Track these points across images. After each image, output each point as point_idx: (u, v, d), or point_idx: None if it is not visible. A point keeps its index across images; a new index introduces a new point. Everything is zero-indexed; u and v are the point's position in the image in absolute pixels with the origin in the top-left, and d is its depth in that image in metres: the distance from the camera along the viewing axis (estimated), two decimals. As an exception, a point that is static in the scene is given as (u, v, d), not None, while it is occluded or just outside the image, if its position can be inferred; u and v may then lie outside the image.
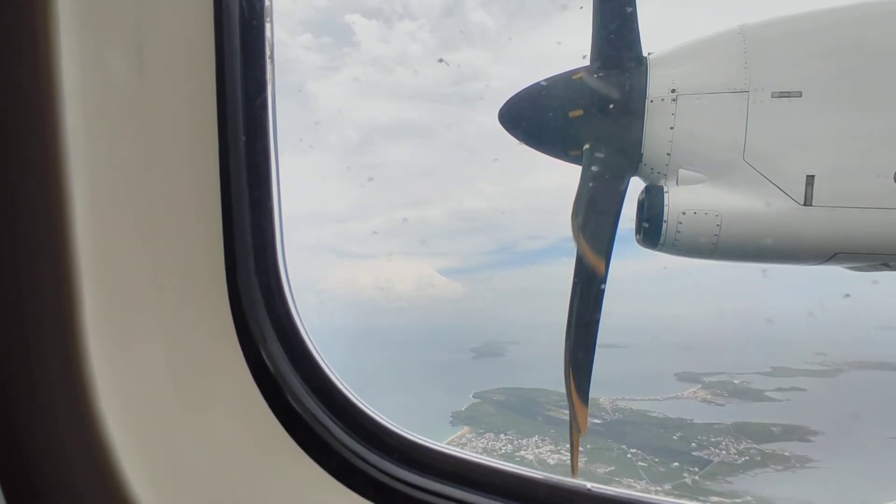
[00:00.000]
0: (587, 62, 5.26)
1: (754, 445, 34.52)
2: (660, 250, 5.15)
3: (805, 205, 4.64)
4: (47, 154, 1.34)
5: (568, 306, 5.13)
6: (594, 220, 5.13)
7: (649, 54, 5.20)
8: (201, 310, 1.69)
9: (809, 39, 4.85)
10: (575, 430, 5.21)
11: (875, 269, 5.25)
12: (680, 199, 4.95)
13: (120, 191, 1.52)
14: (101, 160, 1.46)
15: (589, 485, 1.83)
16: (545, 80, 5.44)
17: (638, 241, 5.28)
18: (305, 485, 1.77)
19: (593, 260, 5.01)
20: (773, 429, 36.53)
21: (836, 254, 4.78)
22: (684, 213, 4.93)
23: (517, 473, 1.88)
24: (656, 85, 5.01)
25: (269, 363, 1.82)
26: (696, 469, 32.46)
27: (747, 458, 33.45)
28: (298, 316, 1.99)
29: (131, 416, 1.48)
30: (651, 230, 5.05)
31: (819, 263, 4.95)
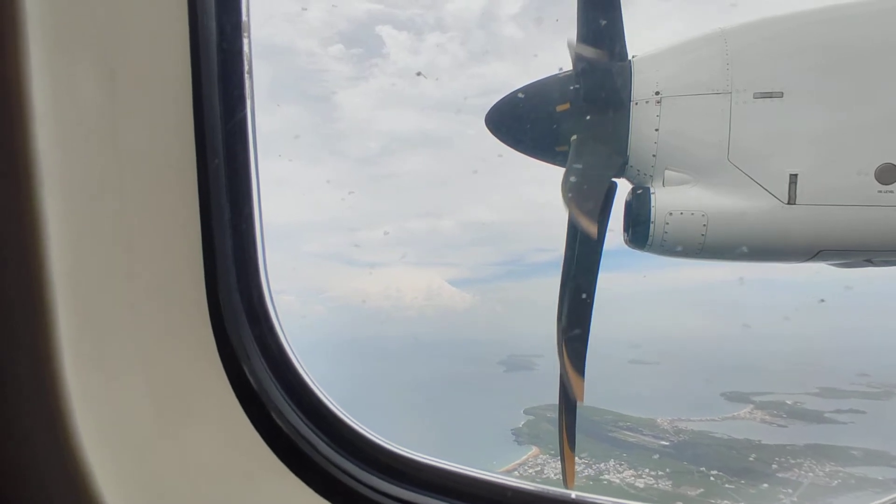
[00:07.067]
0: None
1: (840, 468, 33.18)
2: (648, 251, 5.18)
3: (789, 203, 4.69)
4: (19, 175, 1.33)
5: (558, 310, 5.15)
6: (583, 224, 5.15)
7: (633, 56, 5.23)
8: (180, 327, 1.68)
9: (789, 40, 4.90)
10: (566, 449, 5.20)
11: (859, 265, 5.31)
12: (666, 200, 4.97)
13: (94, 210, 1.51)
14: (76, 180, 1.45)
15: (573, 494, 1.84)
16: (531, 83, 5.46)
17: (626, 243, 5.31)
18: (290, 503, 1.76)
19: (583, 263, 5.06)
20: (854, 452, 34.99)
21: (820, 251, 4.83)
22: (671, 214, 4.96)
23: (503, 483, 1.88)
24: (641, 87, 5.03)
25: (251, 380, 1.81)
26: (790, 491, 31.22)
27: (839, 480, 32.11)
28: (282, 331, 1.99)
29: (108, 437, 1.47)
30: (638, 231, 5.07)
31: (804, 261, 5.00)
